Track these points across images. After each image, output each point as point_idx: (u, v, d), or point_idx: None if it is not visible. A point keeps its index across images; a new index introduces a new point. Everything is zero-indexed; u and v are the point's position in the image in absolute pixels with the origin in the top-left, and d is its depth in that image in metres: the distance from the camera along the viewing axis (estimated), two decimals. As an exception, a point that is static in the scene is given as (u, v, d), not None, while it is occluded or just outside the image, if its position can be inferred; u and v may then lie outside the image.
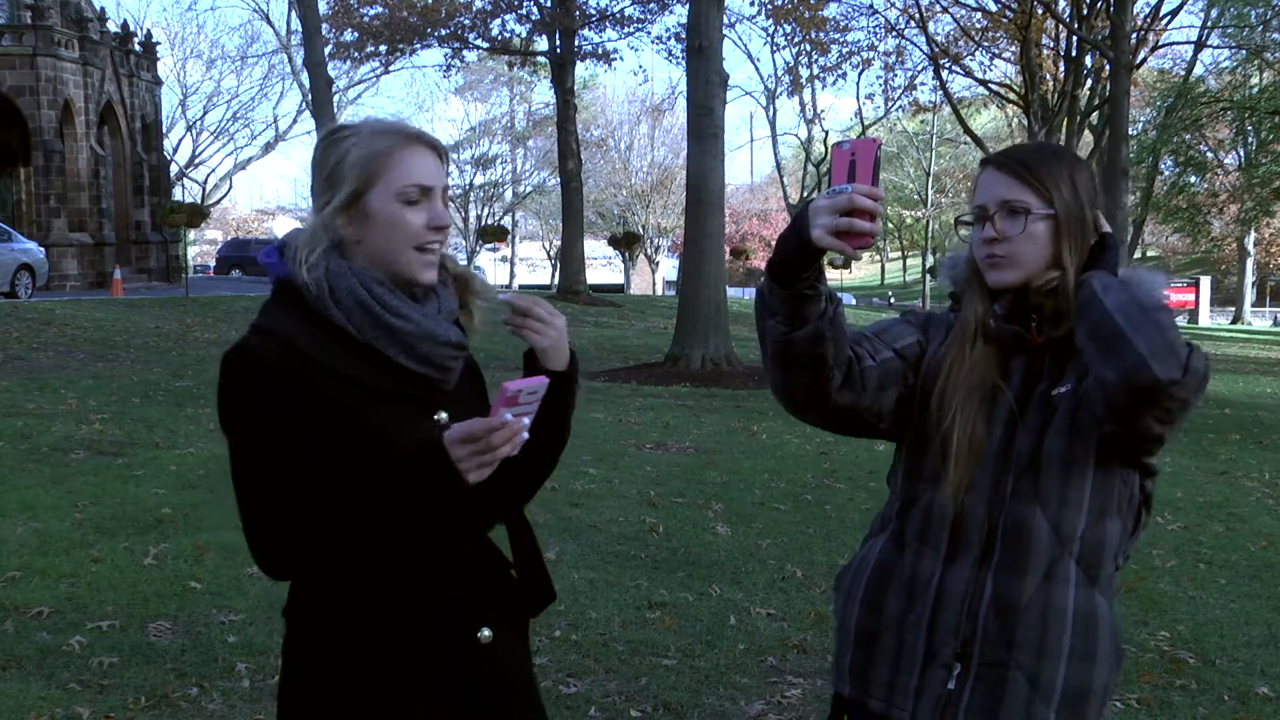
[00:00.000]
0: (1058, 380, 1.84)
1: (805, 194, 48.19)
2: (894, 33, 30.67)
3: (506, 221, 57.10)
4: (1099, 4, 25.40)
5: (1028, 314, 1.86)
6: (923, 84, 32.79)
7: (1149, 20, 27.30)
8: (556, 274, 40.70)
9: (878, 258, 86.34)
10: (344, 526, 1.70)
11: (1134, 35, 24.50)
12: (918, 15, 28.58)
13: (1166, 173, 40.57)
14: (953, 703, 1.81)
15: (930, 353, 1.94)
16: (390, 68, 39.28)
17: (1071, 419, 1.80)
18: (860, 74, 36.66)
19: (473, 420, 1.62)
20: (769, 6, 28.75)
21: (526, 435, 1.65)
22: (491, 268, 63.62)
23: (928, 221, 59.37)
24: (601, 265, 62.01)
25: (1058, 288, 1.84)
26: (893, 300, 52.84)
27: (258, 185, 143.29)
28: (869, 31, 32.26)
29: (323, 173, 1.80)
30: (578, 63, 30.59)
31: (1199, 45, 33.30)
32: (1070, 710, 1.79)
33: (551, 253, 61.67)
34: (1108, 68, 24.43)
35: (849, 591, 1.97)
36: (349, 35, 29.93)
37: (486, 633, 1.82)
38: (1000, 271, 1.86)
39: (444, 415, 1.82)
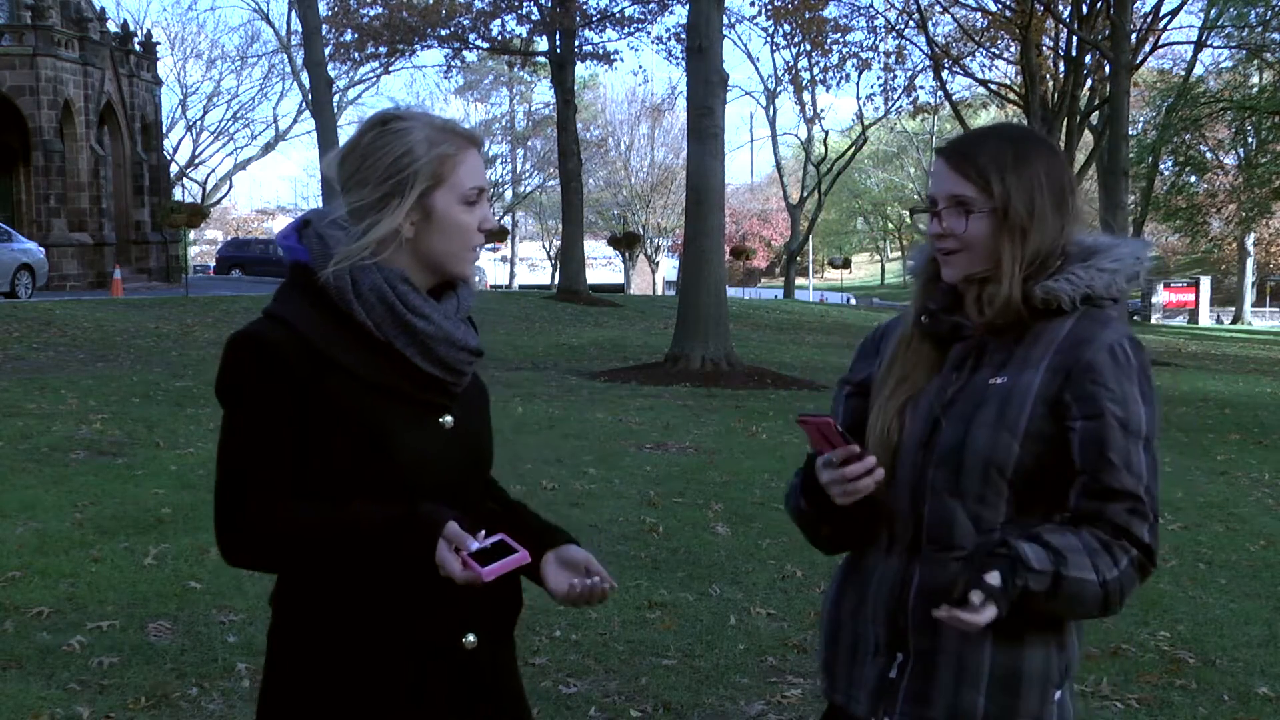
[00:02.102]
0: (999, 369, 1.81)
1: (805, 194, 48.21)
2: (894, 33, 30.69)
3: (506, 221, 57.11)
4: (1099, 4, 25.40)
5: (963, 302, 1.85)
6: (921, 86, 32.81)
7: (1149, 20, 27.31)
8: (556, 274, 40.70)
9: (878, 258, 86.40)
10: (314, 540, 1.70)
11: (1134, 35, 24.51)
12: (917, 16, 28.59)
13: (1166, 173, 40.57)
14: (892, 690, 1.83)
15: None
16: (390, 68, 39.29)
17: (1000, 413, 1.77)
18: (860, 74, 36.63)
19: (453, 564, 1.65)
20: (769, 7, 28.77)
21: (528, 558, 1.74)
22: (491, 268, 63.64)
23: (928, 221, 59.28)
24: (601, 265, 62.03)
25: (990, 276, 1.81)
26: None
27: (258, 185, 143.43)
28: (869, 32, 32.22)
29: (374, 162, 1.75)
30: (578, 63, 30.59)
31: (1199, 45, 33.31)
32: (1002, 693, 1.77)
33: (551, 253, 61.68)
34: (1108, 68, 24.44)
35: (827, 592, 2.02)
36: (349, 35, 29.93)
37: (471, 638, 1.81)
38: (951, 267, 1.85)
39: (449, 419, 1.82)
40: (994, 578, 1.70)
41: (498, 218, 56.75)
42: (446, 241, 1.78)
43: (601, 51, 30.87)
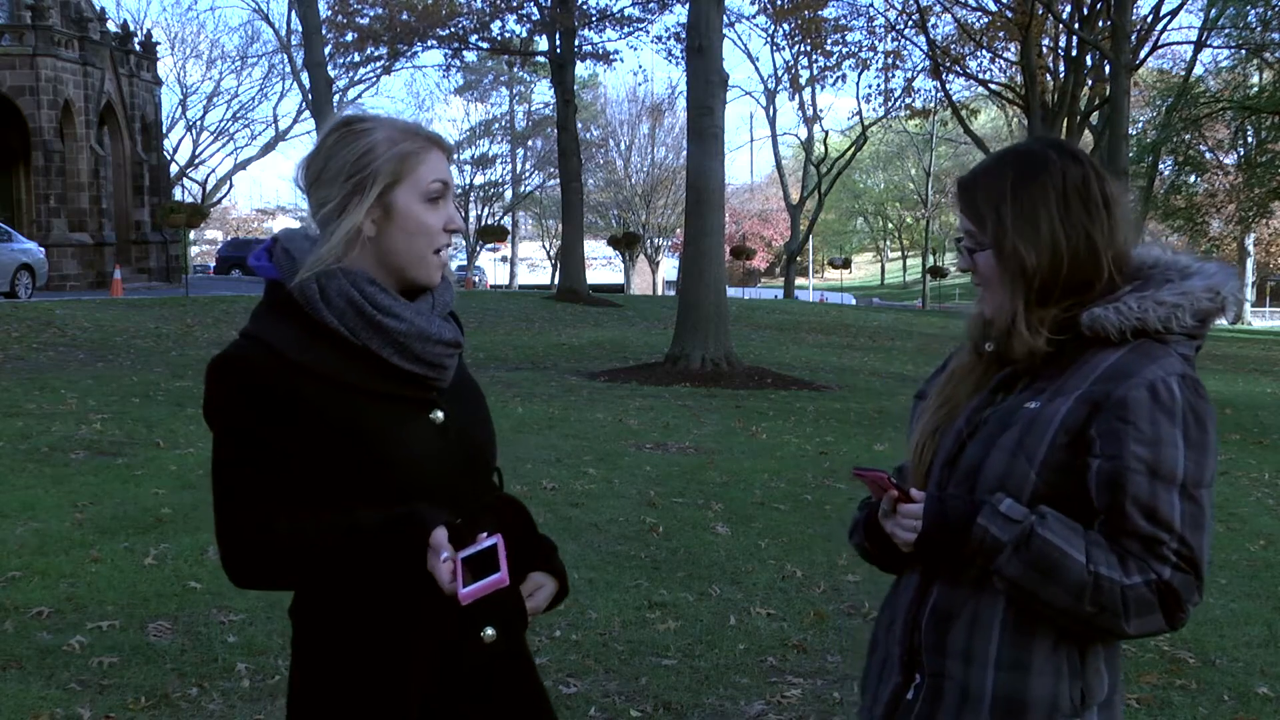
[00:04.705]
0: (1038, 394, 1.73)
1: (805, 194, 48.17)
2: (894, 32, 30.70)
3: (506, 221, 57.10)
4: (1099, 4, 25.41)
5: None
6: (919, 89, 32.80)
7: (1149, 20, 27.32)
8: (556, 274, 40.70)
9: (878, 258, 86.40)
10: (315, 554, 1.71)
11: (1134, 35, 24.52)
12: (917, 16, 28.59)
13: (1166, 172, 40.57)
14: (906, 712, 1.79)
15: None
16: (390, 68, 39.29)
17: (1020, 438, 1.70)
18: (860, 74, 36.68)
19: (443, 575, 1.66)
20: (769, 7, 28.78)
21: (506, 581, 1.69)
22: (491, 268, 63.64)
23: (927, 221, 59.37)
24: (601, 265, 62.04)
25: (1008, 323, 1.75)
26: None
27: (258, 185, 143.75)
28: (867, 33, 32.27)
29: (337, 162, 1.77)
30: (578, 62, 30.61)
31: (1199, 45, 33.32)
32: None
33: (551, 253, 61.68)
34: (1108, 68, 24.45)
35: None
36: (349, 35, 29.94)
37: (490, 632, 1.82)
38: (985, 304, 1.81)
39: (440, 414, 1.82)
40: (953, 500, 1.70)
41: (497, 218, 56.87)
42: (409, 240, 1.78)
43: (601, 51, 30.91)
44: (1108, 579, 1.63)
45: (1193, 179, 41.43)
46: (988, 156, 1.87)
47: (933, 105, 32.86)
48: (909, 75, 32.64)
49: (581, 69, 37.85)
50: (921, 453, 1.84)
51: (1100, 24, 25.54)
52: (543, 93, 54.72)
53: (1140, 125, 38.61)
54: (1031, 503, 1.68)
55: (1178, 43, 34.87)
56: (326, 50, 27.46)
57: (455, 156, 1.89)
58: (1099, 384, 1.67)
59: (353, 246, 1.76)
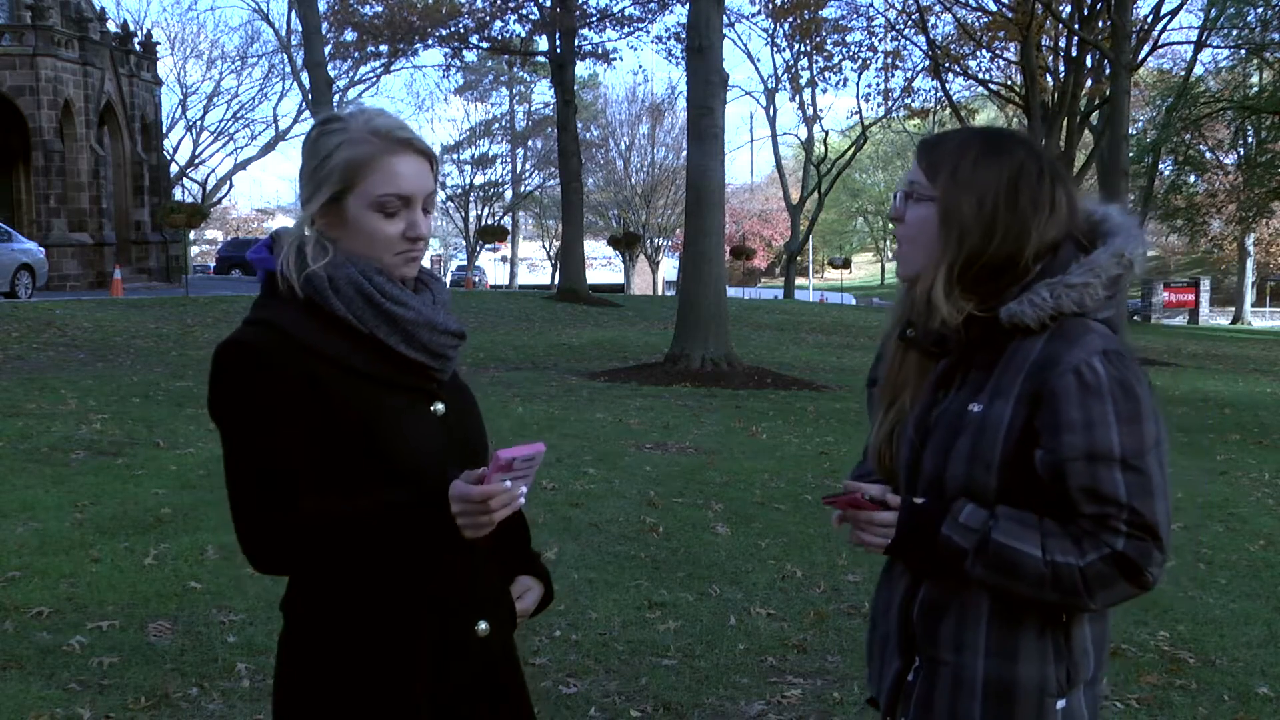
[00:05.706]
0: (978, 392, 1.75)
1: (805, 194, 48.18)
2: (894, 32, 30.71)
3: (506, 221, 57.10)
4: (1099, 4, 25.40)
5: None
6: (919, 89, 32.81)
7: (1149, 20, 27.32)
8: (556, 274, 40.70)
9: (878, 258, 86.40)
10: (339, 534, 1.71)
11: (1134, 35, 24.51)
12: (917, 16, 28.58)
13: (1166, 173, 40.59)
14: (907, 694, 1.86)
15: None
16: (390, 68, 39.35)
17: (974, 445, 1.73)
18: (860, 74, 36.69)
19: (469, 487, 1.65)
20: (769, 6, 28.78)
21: (524, 500, 1.71)
22: (491, 268, 63.66)
23: (928, 221, 59.25)
24: (601, 265, 62.06)
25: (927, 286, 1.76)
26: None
27: (258, 185, 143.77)
28: (867, 33, 32.28)
29: (311, 163, 1.79)
30: (578, 62, 30.61)
31: (1199, 45, 33.34)
32: (997, 704, 1.77)
33: (551, 253, 61.67)
34: (1108, 68, 24.44)
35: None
36: (349, 35, 29.96)
37: (483, 626, 1.83)
38: (901, 263, 1.83)
39: (440, 406, 1.83)
40: (925, 511, 1.75)
41: (497, 218, 56.85)
42: (365, 246, 1.78)
43: (601, 51, 30.92)
44: (1064, 565, 1.69)
45: (1193, 179, 41.50)
46: (961, 128, 1.91)
47: (932, 105, 32.84)
48: (909, 75, 32.67)
49: (581, 69, 37.92)
50: (881, 458, 1.90)
51: (1100, 24, 25.52)
52: (543, 93, 54.78)
53: (1140, 125, 38.64)
54: (999, 499, 1.74)
55: (1178, 43, 34.92)
56: (326, 50, 27.46)
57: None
58: (1031, 379, 1.71)
59: (318, 249, 1.76)
